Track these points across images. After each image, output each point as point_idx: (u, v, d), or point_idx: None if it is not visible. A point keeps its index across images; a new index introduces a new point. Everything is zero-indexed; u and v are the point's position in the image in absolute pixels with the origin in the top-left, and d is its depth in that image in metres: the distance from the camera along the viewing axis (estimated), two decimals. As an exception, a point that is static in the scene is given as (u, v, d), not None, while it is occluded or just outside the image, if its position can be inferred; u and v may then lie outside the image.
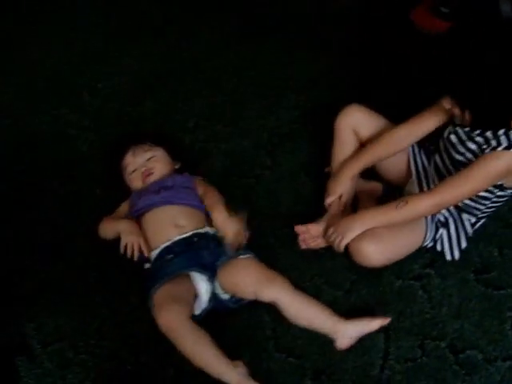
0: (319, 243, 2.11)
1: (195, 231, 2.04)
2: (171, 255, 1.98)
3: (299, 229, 2.10)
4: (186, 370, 1.84)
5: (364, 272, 2.03)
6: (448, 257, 2.07)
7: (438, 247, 2.07)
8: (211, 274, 1.95)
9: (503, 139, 1.79)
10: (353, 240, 1.95)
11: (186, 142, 2.56)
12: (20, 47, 3.10)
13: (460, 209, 2.05)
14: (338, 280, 2.07)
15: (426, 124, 2.06)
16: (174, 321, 1.81)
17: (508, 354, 1.87)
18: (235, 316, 1.98)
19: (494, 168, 1.81)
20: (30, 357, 1.90)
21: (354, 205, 2.22)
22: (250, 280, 1.92)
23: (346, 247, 1.97)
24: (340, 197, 2.14)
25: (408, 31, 3.03)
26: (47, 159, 2.51)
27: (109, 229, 2.12)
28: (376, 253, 1.94)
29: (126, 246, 2.04)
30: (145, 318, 1.95)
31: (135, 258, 2.03)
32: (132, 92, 2.82)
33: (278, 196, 2.34)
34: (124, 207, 2.20)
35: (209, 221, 2.09)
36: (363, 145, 2.18)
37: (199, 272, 1.94)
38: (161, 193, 2.12)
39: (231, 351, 1.85)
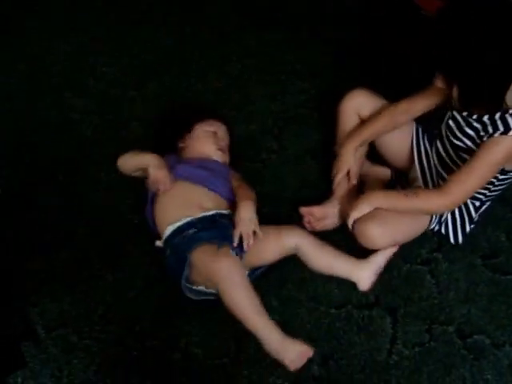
0: (325, 225, 2.10)
1: (218, 211, 2.03)
2: (194, 229, 1.96)
3: (303, 210, 2.10)
4: (193, 353, 1.83)
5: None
6: (452, 240, 2.06)
7: (443, 230, 2.06)
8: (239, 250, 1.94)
9: (499, 124, 1.77)
10: (357, 222, 1.94)
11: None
12: (20, 33, 3.07)
13: None
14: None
15: (423, 102, 2.05)
16: (235, 265, 1.81)
17: (516, 338, 1.86)
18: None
19: (495, 155, 1.79)
20: (35, 342, 1.89)
21: (360, 189, 2.20)
22: (272, 235, 1.97)
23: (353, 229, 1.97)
24: (348, 174, 2.12)
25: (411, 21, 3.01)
26: (51, 144, 2.49)
27: (133, 160, 2.11)
28: (381, 235, 1.93)
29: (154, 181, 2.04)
30: (150, 303, 1.96)
31: (161, 191, 2.02)
32: (136, 76, 2.80)
33: (284, 180, 2.33)
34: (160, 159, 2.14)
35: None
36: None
37: (229, 246, 1.91)
38: (199, 171, 2.10)
39: (239, 336, 1.85)
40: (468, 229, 2.06)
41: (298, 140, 2.48)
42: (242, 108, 2.63)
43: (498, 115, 1.78)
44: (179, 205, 2.02)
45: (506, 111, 1.76)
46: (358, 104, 2.16)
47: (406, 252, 2.05)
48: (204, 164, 2.14)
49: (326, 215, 2.10)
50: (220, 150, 2.24)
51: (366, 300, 1.96)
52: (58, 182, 2.34)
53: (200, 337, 1.88)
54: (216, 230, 1.96)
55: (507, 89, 1.73)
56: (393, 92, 2.14)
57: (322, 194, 2.18)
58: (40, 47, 2.98)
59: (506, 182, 1.96)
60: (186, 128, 2.25)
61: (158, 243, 2.03)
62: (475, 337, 1.87)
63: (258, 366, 1.82)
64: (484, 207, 2.06)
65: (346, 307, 1.95)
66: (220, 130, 2.28)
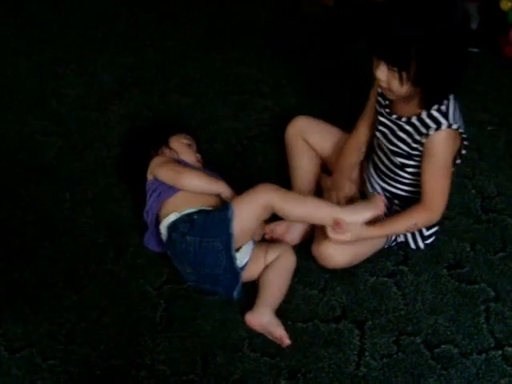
0: (291, 240, 2.10)
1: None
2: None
3: (264, 229, 2.11)
4: (159, 370, 1.80)
5: (337, 270, 2.02)
6: (412, 245, 2.08)
7: (402, 238, 2.08)
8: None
9: (430, 122, 1.81)
10: (314, 243, 1.99)
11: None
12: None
13: (411, 198, 2.02)
14: (312, 279, 2.05)
15: (365, 128, 2.10)
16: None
17: (483, 347, 1.86)
18: (209, 316, 1.95)
19: (445, 150, 1.84)
20: (-2, 365, 1.85)
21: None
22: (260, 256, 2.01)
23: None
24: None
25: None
26: (14, 166, 2.46)
27: (204, 185, 2.07)
28: (338, 254, 1.95)
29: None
30: (114, 321, 1.93)
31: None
32: (99, 98, 2.79)
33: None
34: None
35: None
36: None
37: None
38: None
39: (205, 351, 1.83)
40: (426, 232, 2.07)
41: (262, 158, 2.48)
42: (206, 127, 2.62)
43: (424, 114, 1.82)
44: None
45: (428, 114, 1.82)
46: (301, 129, 2.24)
47: (372, 265, 2.06)
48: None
49: (288, 229, 2.11)
50: (199, 161, 2.25)
51: (332, 313, 1.95)
52: (20, 202, 2.30)
53: (166, 354, 1.85)
54: None
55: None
56: (355, 108, 2.16)
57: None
58: (1, 66, 2.97)
59: None
60: (163, 141, 2.24)
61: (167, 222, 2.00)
62: (443, 347, 1.86)
63: (225, 382, 1.79)
64: None
65: (313, 321, 1.94)
66: (193, 143, 2.30)
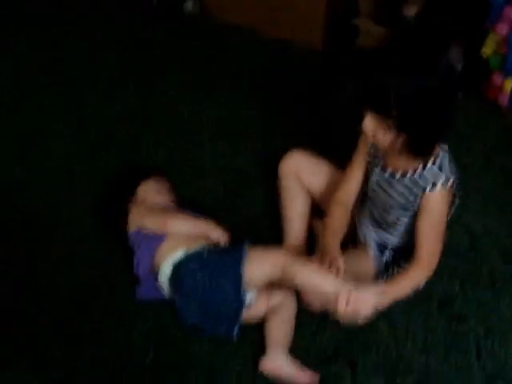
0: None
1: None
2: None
3: None
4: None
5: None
6: None
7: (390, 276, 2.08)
8: None
9: (426, 177, 1.84)
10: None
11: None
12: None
13: (404, 248, 2.04)
14: (304, 321, 2.04)
15: (355, 180, 2.08)
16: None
17: (475, 384, 1.87)
18: (197, 364, 1.95)
19: (440, 210, 1.86)
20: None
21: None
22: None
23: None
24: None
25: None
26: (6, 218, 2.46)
27: (193, 226, 2.12)
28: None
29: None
30: (104, 370, 1.92)
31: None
32: (86, 149, 2.78)
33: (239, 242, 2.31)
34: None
35: None
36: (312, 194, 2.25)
37: None
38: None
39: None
40: None
41: (252, 202, 2.50)
42: (195, 171, 2.64)
43: (420, 169, 1.85)
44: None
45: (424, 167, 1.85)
46: (295, 167, 2.22)
47: (363, 304, 2.06)
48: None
49: None
50: (173, 201, 2.27)
51: (325, 354, 1.95)
52: (7, 254, 2.30)
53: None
54: None
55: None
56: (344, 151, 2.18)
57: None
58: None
59: None
60: (133, 188, 2.28)
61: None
62: (435, 386, 1.87)
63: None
64: None
65: (306, 361, 1.93)
66: (164, 184, 2.34)
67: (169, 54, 3.47)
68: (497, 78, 2.91)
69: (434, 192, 1.83)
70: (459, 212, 2.39)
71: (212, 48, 3.50)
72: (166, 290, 2.01)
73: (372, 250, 2.08)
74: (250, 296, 1.96)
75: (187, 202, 2.35)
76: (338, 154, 2.20)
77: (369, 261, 2.07)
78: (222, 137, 2.84)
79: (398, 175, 1.90)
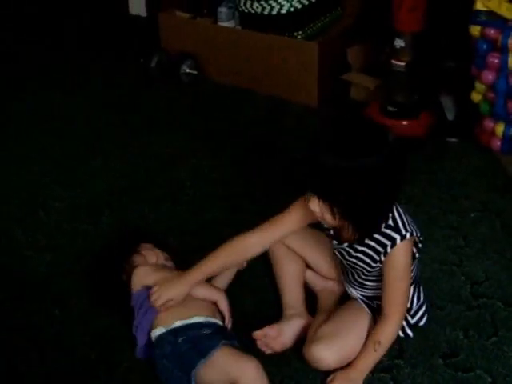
0: (284, 344, 2.09)
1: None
2: (209, 330, 1.98)
3: (256, 335, 2.09)
4: None
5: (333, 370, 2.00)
6: (401, 334, 2.08)
7: None
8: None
9: (383, 240, 1.88)
10: (305, 346, 2.00)
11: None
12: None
13: None
14: (309, 380, 2.02)
15: (279, 230, 2.08)
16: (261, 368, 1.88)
17: None
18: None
19: (403, 263, 1.91)
20: None
21: (313, 301, 2.24)
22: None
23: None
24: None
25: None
26: (3, 281, 2.46)
27: (204, 291, 2.13)
28: (330, 354, 1.95)
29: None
30: None
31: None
32: (89, 209, 2.82)
33: (241, 300, 2.31)
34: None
35: None
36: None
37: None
38: None
39: None
40: (412, 320, 2.09)
41: (254, 262, 2.47)
42: (197, 233, 2.64)
43: (375, 235, 1.89)
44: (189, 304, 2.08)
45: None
46: None
47: (367, 360, 2.05)
48: None
49: (280, 332, 2.10)
50: (167, 259, 2.31)
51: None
52: (7, 318, 2.30)
53: None
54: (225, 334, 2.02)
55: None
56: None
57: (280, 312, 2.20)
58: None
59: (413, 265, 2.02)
60: (130, 252, 2.29)
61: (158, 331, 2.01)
62: None
63: None
64: (411, 292, 2.06)
65: None
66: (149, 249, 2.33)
67: (166, 116, 3.55)
68: (488, 123, 2.94)
69: (394, 250, 1.88)
70: (459, 259, 2.42)
71: (208, 106, 3.56)
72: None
73: (361, 303, 2.11)
74: None
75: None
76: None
77: (363, 310, 2.09)
78: (222, 198, 2.85)
79: (355, 244, 1.95)
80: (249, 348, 2.05)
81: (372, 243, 1.91)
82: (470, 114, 3.07)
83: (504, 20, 2.75)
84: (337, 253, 2.06)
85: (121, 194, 2.92)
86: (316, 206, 1.81)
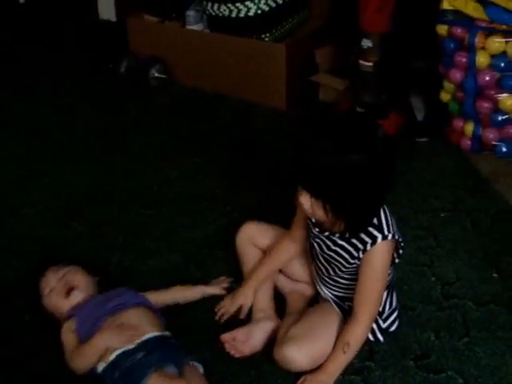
0: (253, 348, 2.07)
1: (158, 333, 1.99)
2: (142, 353, 1.89)
3: (224, 338, 2.07)
4: None
5: (303, 372, 1.98)
6: (371, 338, 2.06)
7: None
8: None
9: (364, 236, 1.87)
10: (276, 347, 1.98)
11: (113, 260, 2.51)
12: None
13: None
14: (279, 383, 2.01)
15: (298, 230, 2.13)
16: None
17: None
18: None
19: (380, 263, 1.89)
20: None
21: (281, 306, 2.22)
22: None
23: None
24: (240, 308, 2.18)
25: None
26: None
27: (92, 353, 1.96)
28: (301, 355, 1.93)
29: None
30: None
31: None
32: (57, 216, 2.78)
33: (211, 307, 2.27)
34: (71, 336, 2.03)
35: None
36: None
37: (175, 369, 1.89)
38: (113, 300, 2.05)
39: None
40: (383, 324, 2.07)
41: (222, 266, 2.47)
42: (165, 238, 2.62)
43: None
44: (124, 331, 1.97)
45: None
46: (249, 234, 2.28)
47: (338, 363, 2.03)
48: (110, 295, 2.10)
49: (249, 335, 2.08)
50: (69, 289, 2.14)
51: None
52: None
53: None
54: (165, 348, 1.93)
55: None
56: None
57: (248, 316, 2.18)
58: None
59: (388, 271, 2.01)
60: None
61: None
62: None
63: None
64: (384, 296, 2.05)
65: None
66: (43, 283, 2.20)
67: (134, 120, 3.55)
68: (457, 123, 2.95)
69: (374, 249, 1.86)
70: (429, 259, 2.41)
71: (174, 113, 3.55)
72: None
73: (333, 304, 2.10)
74: None
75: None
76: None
77: (334, 312, 2.08)
78: (190, 202, 2.84)
79: (336, 235, 1.93)
80: (214, 351, 2.05)
81: (352, 239, 1.89)
82: (440, 113, 3.07)
83: (470, 19, 2.76)
84: (315, 244, 2.03)
85: (90, 200, 2.88)
86: (307, 200, 1.80)
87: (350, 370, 2.01)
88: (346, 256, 1.93)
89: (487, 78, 2.76)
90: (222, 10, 3.49)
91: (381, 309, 2.05)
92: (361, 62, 3.13)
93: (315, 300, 2.20)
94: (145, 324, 2.00)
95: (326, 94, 3.46)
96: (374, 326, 2.05)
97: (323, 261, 2.04)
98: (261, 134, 3.34)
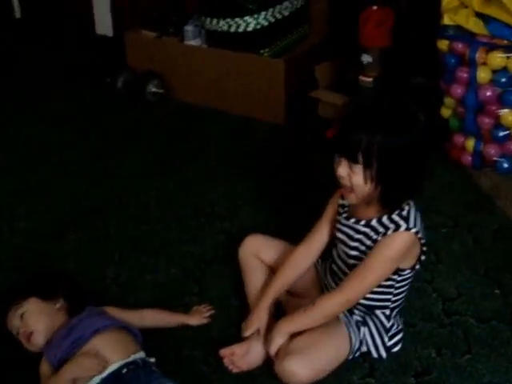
0: (251, 363, 2.03)
1: (122, 362, 1.91)
2: None
3: (223, 352, 2.04)
4: None
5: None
6: (374, 354, 2.02)
7: (365, 347, 2.03)
8: None
9: (389, 223, 1.86)
10: (276, 360, 1.93)
11: (110, 275, 2.48)
12: None
13: (371, 306, 2.02)
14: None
15: (319, 236, 2.13)
16: None
17: None
18: None
19: (391, 251, 1.86)
20: None
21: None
22: None
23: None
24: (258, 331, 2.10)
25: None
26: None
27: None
28: (302, 368, 1.88)
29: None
30: None
31: None
32: (54, 229, 2.75)
33: (209, 322, 2.25)
34: (45, 367, 2.00)
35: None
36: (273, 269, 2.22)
37: None
38: (71, 334, 1.99)
39: None
40: (388, 342, 2.03)
41: (221, 281, 2.44)
42: (162, 253, 2.59)
43: (385, 217, 1.88)
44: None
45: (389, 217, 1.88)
46: (254, 248, 2.25)
47: (338, 380, 1.98)
48: (69, 325, 2.04)
49: (248, 350, 2.04)
50: (29, 337, 2.07)
51: None
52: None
53: None
54: None
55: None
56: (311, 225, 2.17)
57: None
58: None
59: (405, 282, 2.00)
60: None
61: None
62: None
63: None
64: (394, 313, 2.04)
65: None
66: (8, 325, 2.13)
67: (131, 134, 3.55)
68: (458, 139, 2.93)
69: (394, 233, 1.85)
70: (430, 275, 2.38)
71: (173, 126, 3.55)
72: None
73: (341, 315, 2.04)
74: None
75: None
76: (306, 230, 2.18)
77: (339, 323, 2.02)
78: (188, 217, 2.81)
79: (361, 223, 1.93)
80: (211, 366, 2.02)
81: (376, 225, 1.89)
82: (440, 129, 3.05)
83: (471, 34, 2.74)
84: (339, 237, 2.02)
85: (87, 213, 2.86)
86: (345, 170, 1.82)
87: (350, 387, 1.98)
88: (369, 243, 1.91)
89: (488, 94, 2.73)
90: (220, 24, 3.48)
91: (388, 325, 2.02)
92: (360, 77, 3.11)
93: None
94: (109, 351, 1.94)
95: (325, 109, 3.44)
96: (379, 341, 2.02)
97: (345, 257, 2.01)
98: (260, 149, 3.33)
